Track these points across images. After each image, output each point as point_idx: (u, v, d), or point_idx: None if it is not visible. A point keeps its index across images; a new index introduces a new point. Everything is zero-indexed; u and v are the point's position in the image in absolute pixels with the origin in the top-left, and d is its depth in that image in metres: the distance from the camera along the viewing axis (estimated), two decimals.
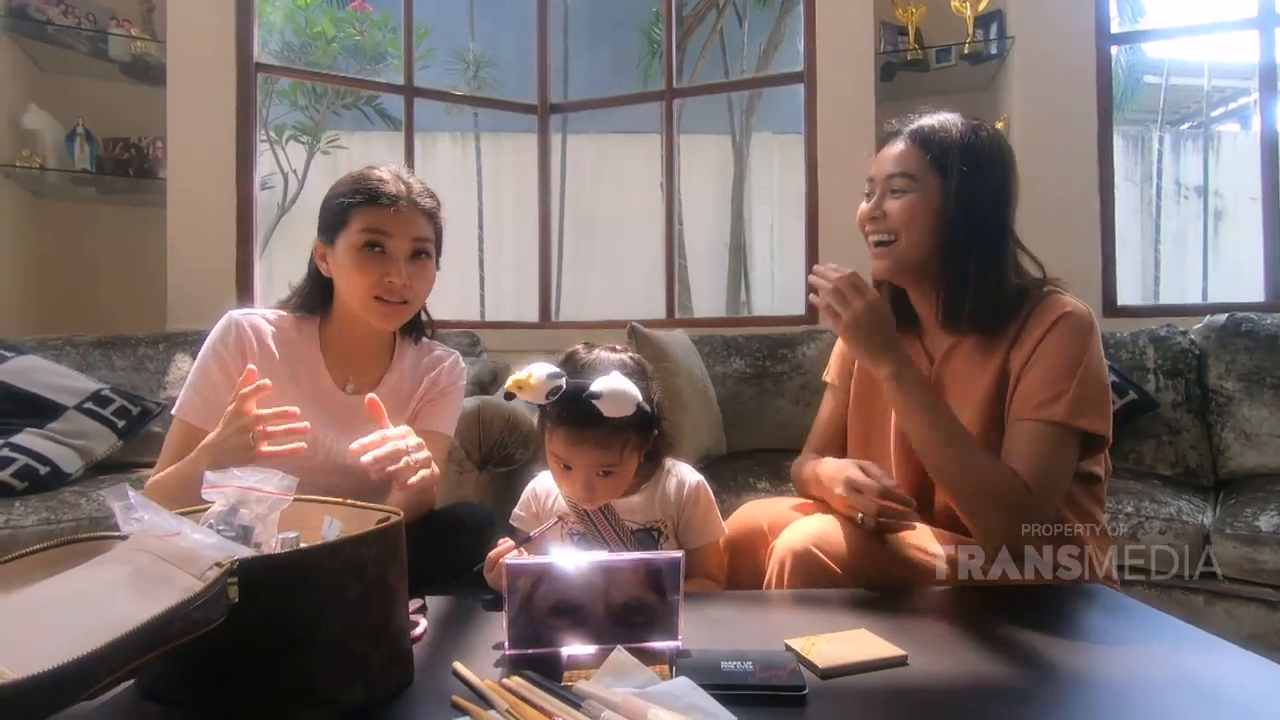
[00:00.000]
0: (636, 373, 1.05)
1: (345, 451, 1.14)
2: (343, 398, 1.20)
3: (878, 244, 1.10)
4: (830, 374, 1.28)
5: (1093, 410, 0.98)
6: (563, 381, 0.97)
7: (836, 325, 1.05)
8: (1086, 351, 0.99)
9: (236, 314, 1.17)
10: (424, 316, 1.29)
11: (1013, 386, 1.02)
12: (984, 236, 1.05)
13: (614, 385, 0.97)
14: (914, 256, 1.07)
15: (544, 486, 1.14)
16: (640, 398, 0.98)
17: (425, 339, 1.31)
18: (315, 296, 1.22)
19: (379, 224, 1.12)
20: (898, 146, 1.09)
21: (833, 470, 1.08)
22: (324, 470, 1.13)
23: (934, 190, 1.05)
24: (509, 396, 0.98)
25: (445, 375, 1.29)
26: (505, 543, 0.98)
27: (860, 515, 1.01)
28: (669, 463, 1.14)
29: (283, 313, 1.22)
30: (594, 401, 0.96)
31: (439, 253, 1.23)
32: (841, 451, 1.22)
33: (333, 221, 1.14)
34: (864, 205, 1.13)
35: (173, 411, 1.15)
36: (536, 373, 0.96)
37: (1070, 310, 1.01)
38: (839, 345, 1.27)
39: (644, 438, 1.05)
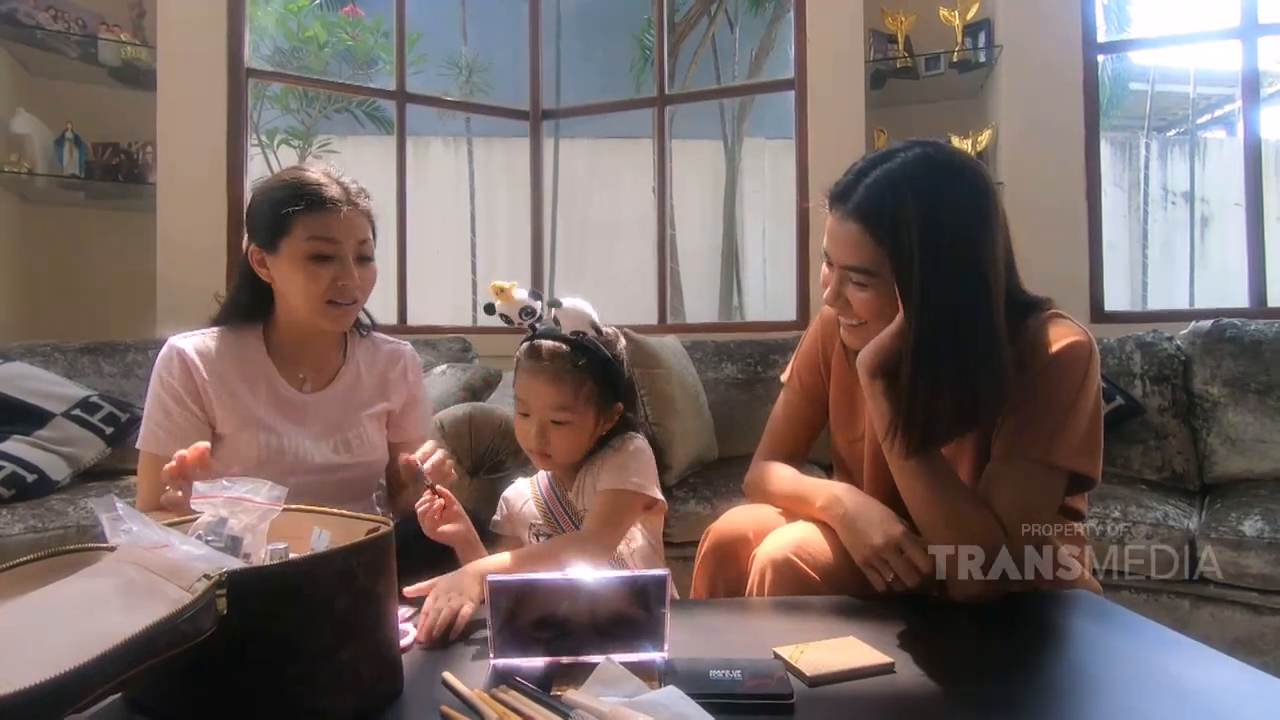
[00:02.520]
0: (606, 340, 1.11)
1: (313, 450, 1.17)
2: (300, 397, 1.20)
3: (848, 324, 1.02)
4: (791, 375, 1.23)
5: (1085, 451, 0.94)
6: (538, 305, 1.05)
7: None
8: (1083, 388, 0.93)
9: (175, 340, 1.17)
10: (364, 313, 1.28)
11: (1002, 419, 0.96)
12: (962, 323, 0.90)
13: (575, 302, 1.06)
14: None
15: (515, 492, 1.18)
16: (595, 318, 1.06)
17: (372, 332, 1.32)
18: (253, 304, 1.21)
19: (325, 231, 1.11)
20: (848, 228, 0.94)
21: (834, 492, 1.03)
22: (294, 470, 1.14)
23: (899, 276, 0.92)
24: (489, 309, 1.06)
25: (413, 373, 1.31)
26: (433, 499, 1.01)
27: (888, 576, 0.93)
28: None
29: (220, 328, 1.20)
30: (554, 311, 1.05)
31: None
32: (801, 455, 1.21)
33: (273, 227, 1.12)
34: (825, 273, 1.02)
35: (137, 445, 1.15)
36: (519, 290, 1.05)
37: (1071, 342, 0.94)
38: (804, 346, 1.22)
39: (602, 392, 1.08)
